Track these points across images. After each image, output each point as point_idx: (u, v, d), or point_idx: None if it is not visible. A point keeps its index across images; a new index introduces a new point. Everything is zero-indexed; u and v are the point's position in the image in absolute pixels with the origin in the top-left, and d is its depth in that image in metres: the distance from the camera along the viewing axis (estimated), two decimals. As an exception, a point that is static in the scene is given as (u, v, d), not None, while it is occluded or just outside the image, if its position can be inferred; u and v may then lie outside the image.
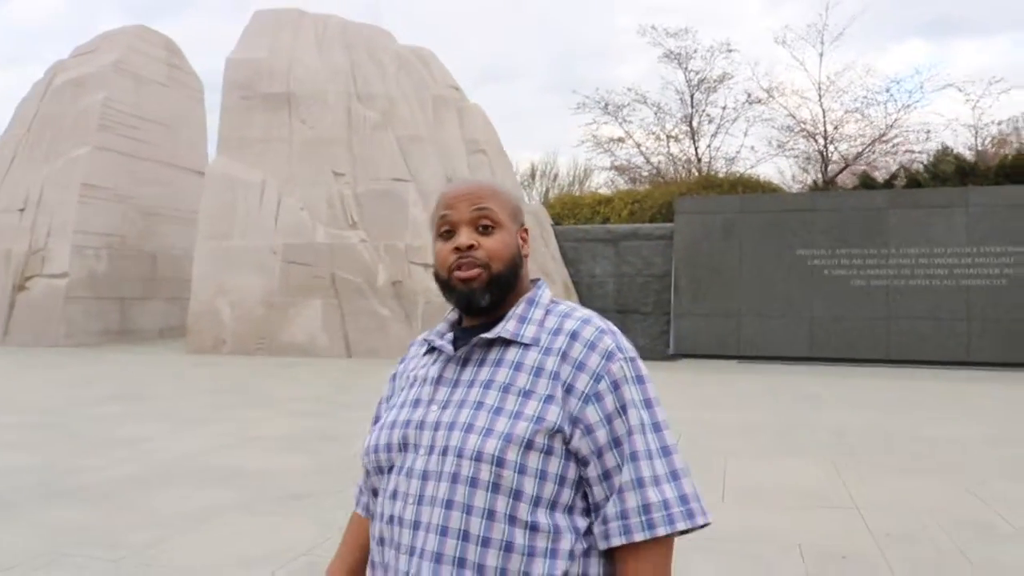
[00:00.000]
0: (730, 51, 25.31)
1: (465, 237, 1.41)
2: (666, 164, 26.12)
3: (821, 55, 24.69)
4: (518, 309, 1.43)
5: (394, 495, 1.37)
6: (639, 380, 1.35)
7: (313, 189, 17.08)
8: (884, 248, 15.42)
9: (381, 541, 1.40)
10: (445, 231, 1.44)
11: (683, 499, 1.30)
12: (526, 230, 1.50)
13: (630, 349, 1.38)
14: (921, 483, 6.09)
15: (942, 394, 11.18)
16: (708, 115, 25.45)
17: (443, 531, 1.28)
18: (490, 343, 1.40)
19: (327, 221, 16.90)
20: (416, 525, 1.32)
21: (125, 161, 20.16)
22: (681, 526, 1.29)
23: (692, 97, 25.35)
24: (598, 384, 1.32)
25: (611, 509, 1.30)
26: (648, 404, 1.35)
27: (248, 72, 17.97)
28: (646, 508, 1.28)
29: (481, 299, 1.41)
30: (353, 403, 9.92)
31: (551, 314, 1.42)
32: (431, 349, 1.50)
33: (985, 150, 24.72)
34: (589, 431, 1.31)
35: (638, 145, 26.22)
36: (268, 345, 16.44)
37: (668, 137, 25.63)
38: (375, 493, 1.47)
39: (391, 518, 1.37)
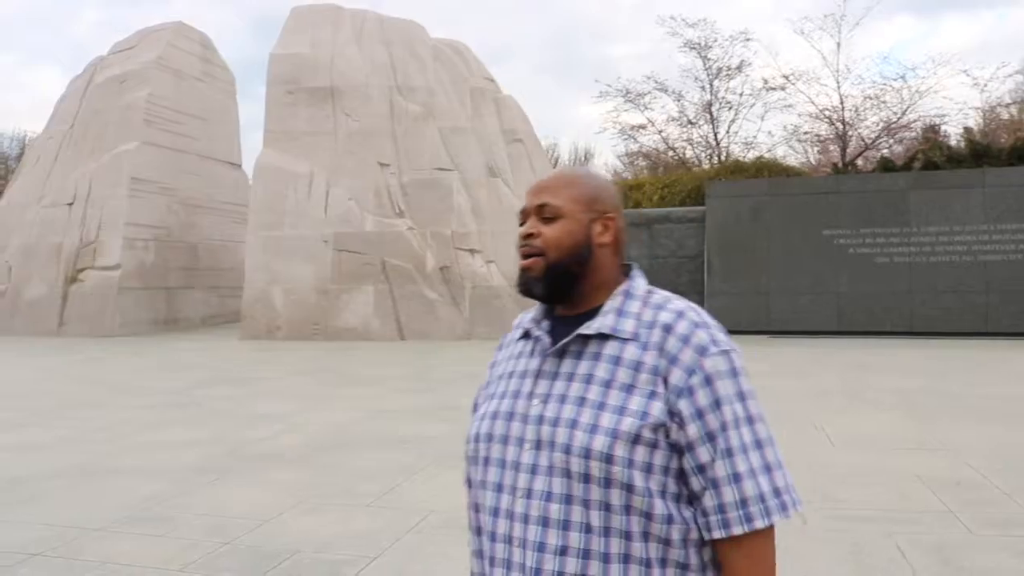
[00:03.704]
0: (748, 40, 26.38)
1: (527, 226, 1.48)
2: (689, 150, 27.24)
3: (839, 44, 25.61)
4: (615, 302, 1.45)
5: (499, 488, 1.41)
6: (733, 373, 1.38)
7: (360, 179, 17.87)
8: (906, 227, 16.39)
9: (480, 531, 1.48)
10: (520, 221, 1.52)
11: (776, 492, 1.34)
12: (610, 218, 1.50)
13: (725, 342, 1.40)
14: (993, 430, 7.06)
15: (974, 361, 12.17)
16: (727, 101, 26.56)
17: (565, 525, 1.33)
18: (587, 335, 1.43)
19: (375, 210, 17.70)
20: (527, 519, 1.36)
21: (168, 155, 20.90)
22: (776, 518, 1.34)
23: (711, 84, 26.44)
24: (691, 378, 1.35)
25: (709, 502, 1.34)
26: (742, 397, 1.38)
27: (291, 67, 18.71)
28: (743, 502, 1.33)
29: (535, 288, 1.46)
30: (449, 379, 10.80)
31: (647, 306, 1.44)
32: (525, 335, 1.54)
33: (984, 130, 25.81)
34: (682, 424, 1.34)
35: (659, 131, 27.30)
36: (323, 330, 17.26)
37: (689, 123, 26.70)
38: (470, 483, 1.52)
39: (496, 510, 1.41)
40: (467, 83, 19.03)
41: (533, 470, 1.37)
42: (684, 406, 1.34)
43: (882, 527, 4.53)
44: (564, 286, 1.46)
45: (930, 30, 57.63)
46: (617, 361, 1.38)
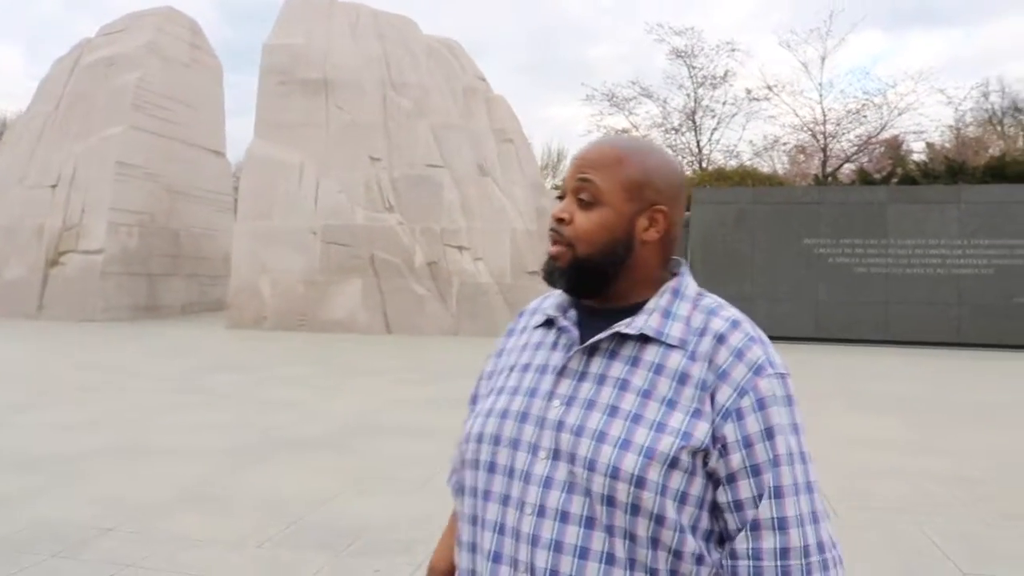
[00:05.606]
0: (733, 50, 26.98)
1: (561, 206, 1.27)
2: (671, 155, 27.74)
3: (823, 59, 26.26)
4: (662, 300, 1.25)
5: (505, 500, 1.21)
6: (789, 401, 1.19)
7: (351, 173, 18.00)
8: (884, 239, 16.94)
9: (476, 549, 1.25)
10: (559, 195, 1.30)
11: (820, 546, 1.15)
12: (660, 210, 1.25)
13: (781, 365, 1.21)
14: (987, 435, 7.45)
15: (952, 370, 12.67)
16: (711, 110, 27.10)
17: (583, 553, 1.14)
18: (626, 335, 1.23)
19: (365, 204, 17.84)
20: (535, 540, 1.16)
21: (154, 140, 20.84)
22: None
23: (696, 92, 26.97)
24: (741, 399, 1.15)
25: (741, 545, 1.15)
26: (796, 430, 1.18)
27: (285, 58, 18.77)
28: (784, 552, 1.13)
29: (559, 280, 1.26)
30: (450, 372, 10.99)
31: (697, 309, 1.25)
32: (547, 323, 1.34)
33: (953, 147, 26.68)
34: (724, 452, 1.15)
35: (643, 137, 27.64)
36: (309, 322, 17.37)
37: (673, 130, 27.21)
38: (461, 490, 1.31)
39: (501, 527, 1.21)
40: (459, 81, 19.23)
41: (547, 483, 1.17)
42: (730, 431, 1.15)
43: (912, 518, 4.87)
44: (592, 284, 1.25)
45: (898, 46, 58.93)
46: (659, 370, 1.19)
